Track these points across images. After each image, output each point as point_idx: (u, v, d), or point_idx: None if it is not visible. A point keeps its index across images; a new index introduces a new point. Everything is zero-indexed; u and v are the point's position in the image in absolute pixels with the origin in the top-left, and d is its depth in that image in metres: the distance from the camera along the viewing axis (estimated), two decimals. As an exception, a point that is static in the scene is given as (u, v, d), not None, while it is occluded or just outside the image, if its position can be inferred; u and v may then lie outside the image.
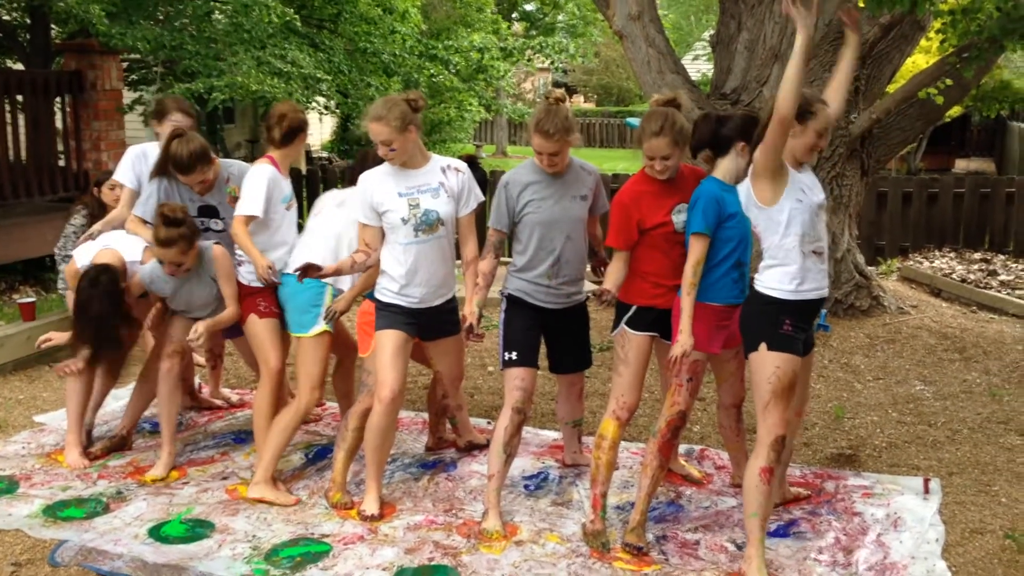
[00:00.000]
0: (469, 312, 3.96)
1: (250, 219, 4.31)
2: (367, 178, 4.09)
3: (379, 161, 4.48)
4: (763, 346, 3.55)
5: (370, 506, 4.14)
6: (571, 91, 40.86)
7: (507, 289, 4.18)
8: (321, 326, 4.30)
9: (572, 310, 4.22)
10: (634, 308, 3.91)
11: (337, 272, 4.09)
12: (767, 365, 3.53)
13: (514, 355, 4.09)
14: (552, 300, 4.13)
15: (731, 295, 3.76)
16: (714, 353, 3.84)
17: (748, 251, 3.80)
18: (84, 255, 4.61)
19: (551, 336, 4.29)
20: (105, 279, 4.41)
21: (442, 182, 4.07)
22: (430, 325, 4.21)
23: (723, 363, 4.01)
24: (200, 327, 4.33)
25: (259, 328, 4.43)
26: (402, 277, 4.06)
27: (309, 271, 3.98)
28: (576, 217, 4.07)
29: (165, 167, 4.58)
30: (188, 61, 9.24)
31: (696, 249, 3.70)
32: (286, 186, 4.45)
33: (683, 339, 3.69)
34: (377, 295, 4.15)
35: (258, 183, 4.32)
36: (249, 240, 4.30)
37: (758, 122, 3.64)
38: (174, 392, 4.66)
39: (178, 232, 4.27)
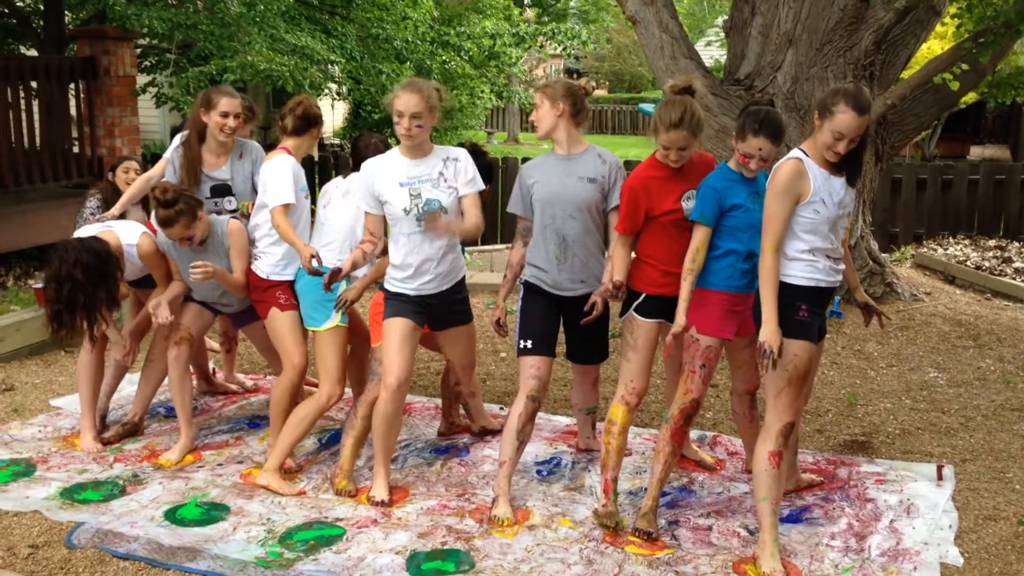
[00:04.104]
0: (451, 223, 3.98)
1: (287, 207, 4.29)
2: (370, 166, 4.10)
3: (377, 147, 4.51)
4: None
5: (379, 492, 4.15)
6: (583, 77, 40.71)
7: (524, 276, 4.19)
8: (334, 320, 4.31)
9: (589, 298, 4.20)
10: (643, 296, 3.91)
11: (353, 267, 4.11)
12: (784, 353, 3.52)
13: (529, 343, 4.09)
14: (566, 287, 4.11)
15: (739, 284, 3.75)
16: (728, 339, 3.83)
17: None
18: (83, 235, 4.64)
19: (569, 325, 4.29)
20: (74, 241, 4.40)
21: (442, 172, 4.07)
22: (440, 315, 4.22)
23: (738, 350, 4.01)
24: (208, 267, 4.31)
25: (279, 322, 4.44)
26: (408, 267, 4.07)
27: (334, 277, 4.03)
28: (580, 197, 4.02)
29: (197, 124, 4.63)
30: (202, 43, 9.26)
31: (695, 236, 3.75)
32: (302, 175, 4.45)
33: (677, 320, 3.74)
34: (385, 285, 4.17)
35: (284, 172, 4.33)
36: (291, 230, 4.27)
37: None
38: (184, 378, 4.69)
39: (175, 211, 4.31)
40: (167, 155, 4.92)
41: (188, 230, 4.38)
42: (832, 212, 3.53)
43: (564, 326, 4.29)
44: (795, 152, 3.55)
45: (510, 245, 4.27)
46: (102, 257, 4.40)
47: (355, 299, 4.29)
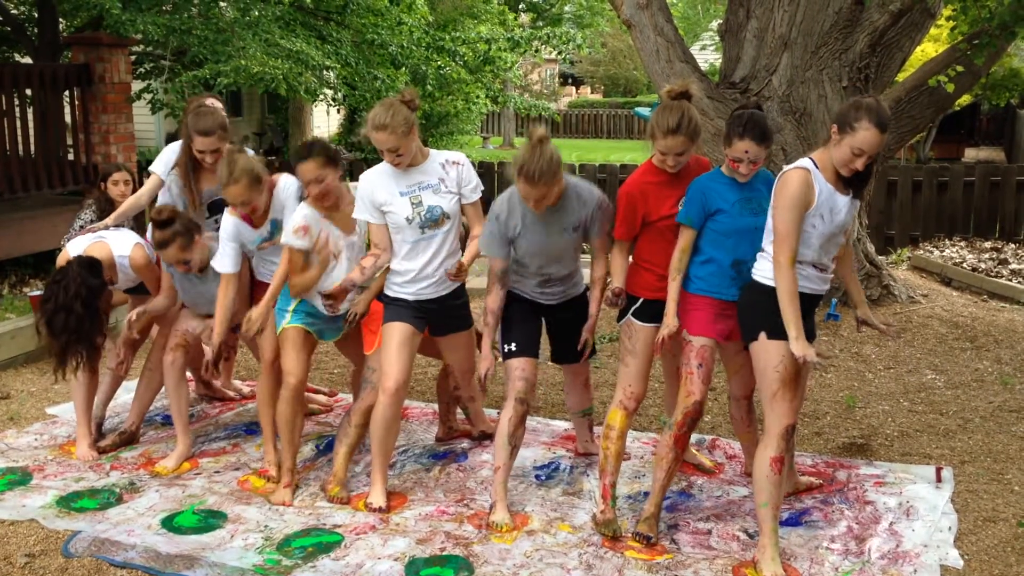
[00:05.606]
0: (466, 260, 4.02)
1: (228, 277, 4.36)
2: (368, 178, 4.08)
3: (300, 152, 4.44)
4: (762, 335, 3.53)
5: (377, 498, 4.13)
6: (578, 82, 40.79)
7: None
8: (282, 326, 4.32)
9: (569, 303, 4.21)
10: (640, 300, 3.91)
11: (349, 283, 4.06)
12: (771, 354, 3.51)
13: (513, 346, 4.08)
14: (547, 299, 4.16)
15: (727, 292, 3.75)
16: (716, 338, 3.80)
17: (751, 249, 3.70)
18: (76, 247, 4.63)
19: (551, 327, 4.29)
20: (75, 271, 4.39)
21: (442, 178, 4.05)
22: (440, 320, 4.21)
23: (732, 356, 4.00)
24: (217, 327, 4.39)
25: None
26: (409, 272, 4.07)
27: (330, 300, 4.04)
28: (565, 247, 4.03)
29: (188, 145, 4.59)
30: (196, 48, 9.25)
31: (680, 238, 3.76)
32: (249, 232, 4.38)
33: (666, 321, 3.76)
34: (385, 290, 4.15)
35: (222, 240, 4.35)
36: (222, 304, 4.35)
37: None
38: (181, 384, 4.68)
39: (171, 231, 4.31)
40: (158, 171, 4.89)
41: (183, 253, 4.37)
42: (828, 229, 3.50)
43: (547, 329, 4.29)
44: (804, 162, 3.51)
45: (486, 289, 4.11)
46: (96, 292, 4.42)
47: (364, 312, 4.27)
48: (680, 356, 3.86)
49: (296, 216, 4.14)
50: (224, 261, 4.35)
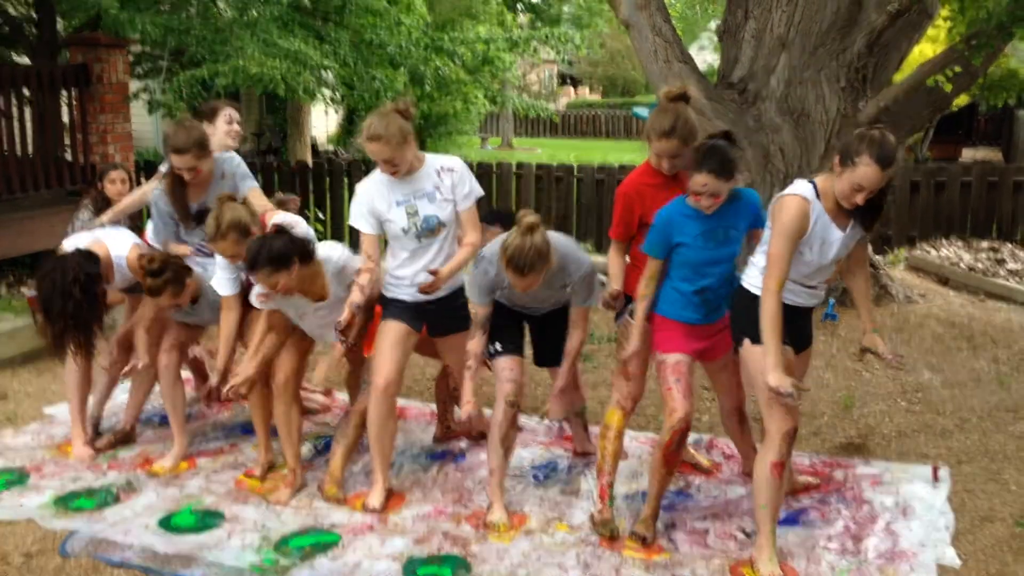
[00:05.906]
0: (445, 270, 3.97)
1: (227, 300, 4.35)
2: (365, 188, 4.06)
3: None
4: (747, 341, 3.53)
5: (374, 499, 4.14)
6: (576, 82, 40.80)
7: None
8: None
9: (551, 311, 4.22)
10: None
11: (355, 308, 4.00)
12: (758, 360, 3.46)
13: (499, 346, 4.09)
14: (530, 312, 4.20)
15: (695, 317, 3.75)
16: (690, 354, 3.79)
17: (716, 277, 3.70)
18: (73, 245, 4.61)
19: (533, 332, 4.31)
20: (73, 258, 4.37)
21: (437, 185, 4.03)
22: (438, 320, 4.21)
23: (715, 373, 4.02)
24: (222, 352, 4.39)
25: (253, 316, 4.46)
26: (406, 277, 4.08)
27: (347, 331, 4.00)
28: (550, 301, 4.08)
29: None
30: (194, 48, 9.25)
31: (647, 265, 3.76)
32: (244, 263, 4.36)
33: (631, 343, 3.80)
34: (384, 291, 4.16)
35: (219, 267, 4.33)
36: (224, 333, 4.34)
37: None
38: (176, 385, 4.68)
39: (163, 279, 4.30)
40: (163, 168, 4.88)
41: (175, 299, 4.38)
42: (816, 260, 3.48)
43: (529, 333, 4.30)
44: (805, 189, 3.42)
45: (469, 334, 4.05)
46: (94, 279, 4.39)
47: (372, 318, 4.28)
48: (657, 378, 3.86)
49: (257, 285, 4.09)
50: (224, 286, 4.34)
